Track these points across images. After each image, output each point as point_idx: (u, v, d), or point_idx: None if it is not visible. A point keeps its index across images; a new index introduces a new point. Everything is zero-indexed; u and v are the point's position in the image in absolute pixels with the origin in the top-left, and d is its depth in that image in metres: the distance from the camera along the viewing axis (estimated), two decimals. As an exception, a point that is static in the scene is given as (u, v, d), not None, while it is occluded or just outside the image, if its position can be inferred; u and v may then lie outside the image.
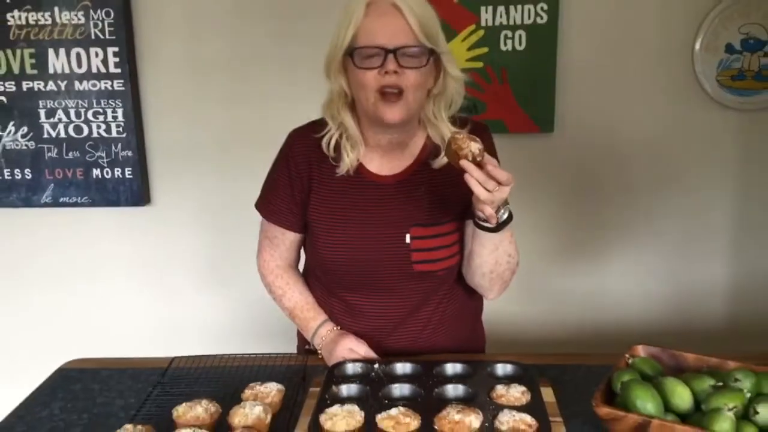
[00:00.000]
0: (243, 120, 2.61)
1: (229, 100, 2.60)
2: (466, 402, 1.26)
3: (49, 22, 2.52)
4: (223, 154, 2.65)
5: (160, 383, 1.45)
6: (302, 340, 1.76)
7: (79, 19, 2.51)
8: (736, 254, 2.61)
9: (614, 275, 2.65)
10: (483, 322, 1.80)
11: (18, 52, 2.53)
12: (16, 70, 2.55)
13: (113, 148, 2.60)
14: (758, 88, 2.43)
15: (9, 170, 2.62)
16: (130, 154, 2.60)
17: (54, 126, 2.59)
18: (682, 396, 1.21)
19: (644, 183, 2.56)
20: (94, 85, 2.56)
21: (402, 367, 1.43)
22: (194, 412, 1.26)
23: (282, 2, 2.52)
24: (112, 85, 2.55)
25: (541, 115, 2.50)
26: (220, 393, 1.36)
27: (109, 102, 2.56)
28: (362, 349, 1.52)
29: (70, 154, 2.61)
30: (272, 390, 1.35)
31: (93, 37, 2.52)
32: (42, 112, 2.58)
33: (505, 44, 2.45)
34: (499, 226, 1.41)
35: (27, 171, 2.62)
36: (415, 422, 1.19)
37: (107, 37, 2.52)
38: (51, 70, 2.55)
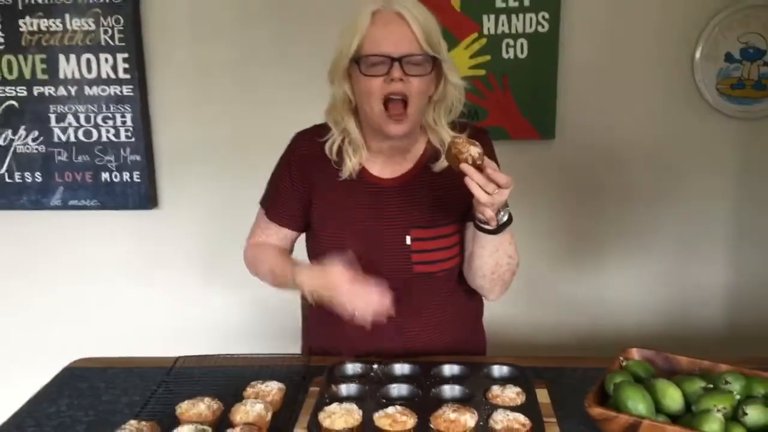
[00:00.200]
0: (249, 125, 2.65)
1: (236, 105, 2.64)
2: (462, 402, 1.30)
3: (61, 28, 2.56)
4: (230, 158, 2.68)
5: (165, 382, 1.48)
6: (307, 342, 1.79)
7: (89, 26, 2.56)
8: (735, 261, 2.63)
9: (614, 280, 2.67)
10: (484, 326, 1.82)
11: (30, 57, 2.58)
12: (27, 75, 2.60)
13: (122, 152, 2.64)
14: (757, 97, 2.45)
15: (20, 173, 2.67)
16: (138, 158, 2.64)
17: (64, 130, 2.64)
18: (673, 397, 1.24)
19: (644, 190, 2.59)
20: (103, 91, 2.60)
21: (400, 368, 1.47)
22: (197, 409, 1.30)
23: (288, 8, 2.56)
24: (121, 91, 2.60)
25: (542, 122, 2.53)
26: (223, 391, 1.39)
27: (118, 107, 2.61)
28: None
29: (80, 157, 2.65)
30: (273, 389, 1.38)
31: (103, 43, 2.57)
32: (52, 117, 2.63)
33: (507, 52, 2.48)
34: (499, 228, 1.45)
35: (37, 174, 2.67)
36: (411, 421, 1.22)
37: (117, 43, 2.57)
38: (62, 76, 2.60)
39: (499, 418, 1.22)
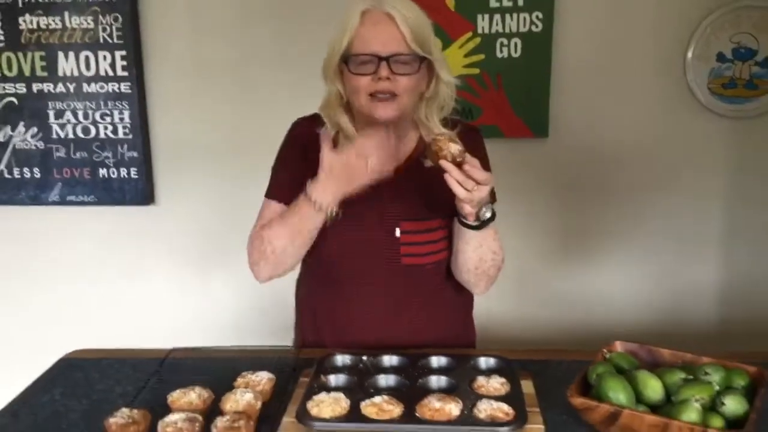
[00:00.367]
0: (246, 122, 2.68)
1: (233, 102, 2.67)
2: (448, 392, 1.32)
3: (60, 26, 2.60)
4: (227, 155, 2.71)
5: (157, 372, 1.51)
6: (299, 335, 1.81)
7: (88, 24, 2.59)
8: (727, 258, 2.65)
9: (606, 278, 2.70)
10: (475, 321, 1.84)
11: (29, 54, 2.62)
12: (26, 72, 2.63)
13: (119, 148, 2.67)
14: (748, 96, 2.48)
15: (18, 169, 2.71)
16: (135, 154, 2.68)
17: (62, 127, 2.67)
18: (654, 388, 1.27)
19: (636, 187, 2.62)
20: (101, 88, 2.64)
21: (389, 360, 1.49)
22: (188, 397, 1.32)
23: (286, 6, 2.59)
24: (119, 88, 2.63)
25: (535, 120, 2.55)
26: (214, 381, 1.41)
27: (116, 104, 2.64)
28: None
29: (78, 154, 2.69)
30: (263, 378, 1.40)
31: (101, 41, 2.60)
32: (51, 113, 2.66)
33: (501, 51, 2.51)
34: (482, 224, 1.47)
35: (36, 170, 2.71)
36: (397, 409, 1.25)
37: (115, 41, 2.60)
38: (60, 73, 2.63)
39: (483, 407, 1.24)
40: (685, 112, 2.53)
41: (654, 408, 1.25)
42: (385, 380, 1.40)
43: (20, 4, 2.58)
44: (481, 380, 1.36)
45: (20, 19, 2.59)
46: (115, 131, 2.67)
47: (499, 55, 2.52)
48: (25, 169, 2.71)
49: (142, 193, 2.71)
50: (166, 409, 1.30)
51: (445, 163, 1.36)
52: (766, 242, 2.63)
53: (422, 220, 1.58)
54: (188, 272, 2.82)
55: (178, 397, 1.33)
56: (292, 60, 2.59)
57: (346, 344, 1.60)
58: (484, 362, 1.47)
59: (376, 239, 1.57)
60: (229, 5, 2.60)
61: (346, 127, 1.56)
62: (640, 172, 2.61)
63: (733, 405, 1.21)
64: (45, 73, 2.63)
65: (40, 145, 2.69)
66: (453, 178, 1.36)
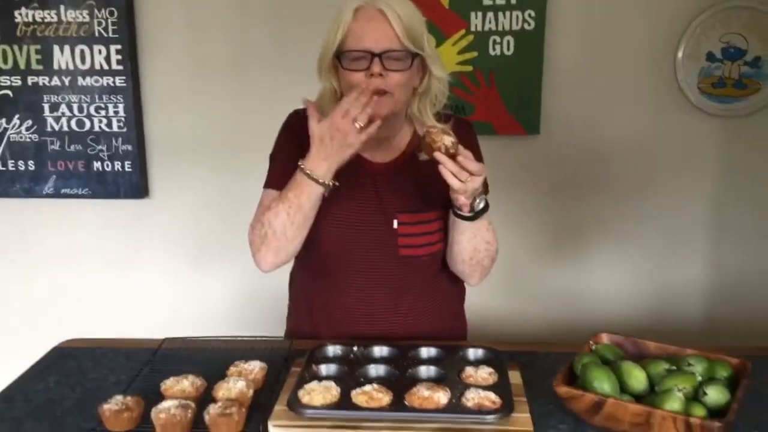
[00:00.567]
0: (241, 116, 2.69)
1: (228, 96, 2.69)
2: (437, 381, 1.34)
3: (55, 19, 2.61)
4: (221, 149, 2.73)
5: (151, 361, 1.53)
6: (291, 326, 1.83)
7: (83, 18, 2.60)
8: (715, 255, 2.69)
9: (596, 273, 2.73)
10: (467, 316, 1.87)
11: (24, 48, 2.63)
12: (22, 65, 2.64)
13: (114, 142, 2.69)
14: (738, 96, 2.51)
15: (13, 162, 2.72)
16: (130, 148, 2.69)
17: (57, 120, 2.68)
18: (637, 378, 1.29)
19: (627, 185, 2.65)
20: (96, 81, 2.65)
21: (379, 350, 1.50)
22: (181, 385, 1.34)
23: (282, 1, 2.60)
24: (114, 82, 2.65)
25: (527, 117, 2.58)
26: (207, 370, 1.42)
27: (111, 97, 2.66)
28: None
29: (72, 147, 2.70)
30: (255, 367, 1.43)
31: (97, 34, 2.62)
32: (46, 106, 2.67)
33: (494, 49, 2.54)
34: (476, 215, 1.50)
35: (30, 163, 2.72)
36: (387, 398, 1.27)
37: (110, 35, 2.61)
38: (55, 66, 2.65)
39: (471, 396, 1.27)
40: (675, 111, 2.57)
41: (638, 398, 1.27)
42: (375, 370, 1.41)
43: (16, -2, 2.60)
44: (469, 370, 1.38)
45: (16, 13, 2.60)
46: (109, 124, 2.68)
47: (491, 52, 2.54)
48: (20, 162, 2.72)
49: (136, 186, 2.72)
50: (160, 397, 1.32)
51: (439, 155, 1.38)
52: (754, 240, 2.67)
53: (419, 212, 1.61)
54: (182, 265, 2.83)
55: (171, 385, 1.35)
56: (287, 54, 2.61)
57: (342, 335, 1.63)
58: (473, 353, 1.49)
59: (374, 231, 1.60)
60: (224, -1, 2.62)
61: None
62: (631, 170, 2.64)
63: (715, 395, 1.24)
64: (40, 66, 2.64)
65: (35, 137, 2.70)
66: (447, 169, 1.38)
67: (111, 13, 2.59)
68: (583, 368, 1.31)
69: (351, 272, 1.64)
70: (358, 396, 1.28)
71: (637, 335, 1.50)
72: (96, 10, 2.59)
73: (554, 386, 1.28)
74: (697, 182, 2.63)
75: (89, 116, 2.68)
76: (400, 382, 1.34)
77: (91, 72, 2.64)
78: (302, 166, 1.46)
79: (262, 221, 1.54)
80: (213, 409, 1.24)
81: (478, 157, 1.67)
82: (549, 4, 2.49)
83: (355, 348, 1.51)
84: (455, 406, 1.25)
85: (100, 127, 2.68)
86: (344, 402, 1.27)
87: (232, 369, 1.43)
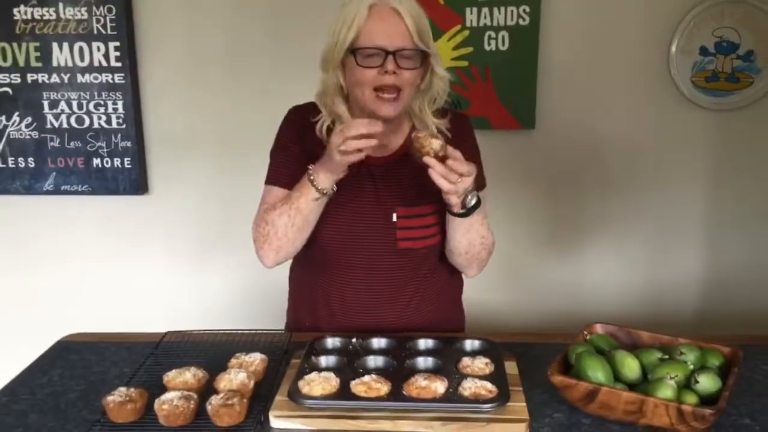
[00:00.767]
0: (239, 112, 2.71)
1: (226, 93, 2.71)
2: (434, 372, 1.36)
3: (54, 17, 2.62)
4: (219, 145, 2.75)
5: (153, 354, 1.55)
6: (291, 319, 1.86)
7: (82, 15, 2.62)
8: (709, 247, 2.71)
9: (591, 266, 2.76)
10: (465, 310, 1.90)
11: (23, 45, 2.64)
12: (21, 62, 2.66)
13: (113, 138, 2.71)
14: (731, 90, 2.54)
15: (13, 159, 2.73)
16: (129, 144, 2.71)
17: (57, 117, 2.70)
18: (631, 367, 1.32)
19: (621, 178, 2.67)
20: (95, 78, 2.67)
21: (378, 342, 1.53)
22: (183, 377, 1.36)
23: (280, -2, 2.62)
24: (113, 78, 2.66)
25: (522, 112, 2.60)
26: (208, 362, 1.45)
27: (110, 94, 2.67)
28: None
29: (72, 143, 2.72)
30: (256, 359, 1.45)
31: (95, 32, 2.63)
32: (45, 104, 2.69)
33: (489, 44, 2.56)
34: (468, 212, 1.53)
35: (30, 160, 2.74)
36: (385, 388, 1.29)
37: (109, 32, 2.63)
38: (55, 63, 2.66)
39: (468, 386, 1.29)
40: (669, 105, 2.59)
41: (631, 386, 1.30)
42: (373, 361, 1.44)
43: (15, -5, 2.61)
44: (466, 361, 1.41)
45: (15, 10, 2.61)
46: (108, 121, 2.70)
47: (487, 48, 2.56)
48: (20, 159, 2.73)
49: (135, 182, 2.74)
50: (162, 389, 1.34)
51: (428, 160, 1.41)
52: (748, 232, 2.69)
53: (417, 206, 1.63)
54: (182, 260, 2.85)
55: (174, 376, 1.37)
56: (285, 50, 2.62)
57: (342, 328, 1.65)
58: (470, 344, 1.52)
59: (374, 224, 1.63)
60: (222, -4, 2.64)
61: (345, 117, 1.61)
62: (625, 163, 2.66)
63: (706, 383, 1.26)
64: (39, 64, 2.66)
65: (35, 134, 2.72)
66: (437, 172, 1.41)
67: (109, 10, 2.60)
68: (577, 358, 1.34)
69: (350, 265, 1.66)
70: (357, 386, 1.30)
71: (633, 327, 1.52)
72: (94, 8, 2.61)
73: (549, 375, 1.30)
74: (690, 175, 2.66)
75: (88, 113, 2.69)
76: (398, 373, 1.36)
77: (90, 69, 2.66)
78: (309, 171, 1.50)
79: (266, 220, 1.57)
80: (215, 400, 1.26)
81: (475, 152, 1.70)
82: (543, -1, 2.52)
83: (354, 340, 1.53)
84: (452, 396, 1.28)
85: (99, 123, 2.70)
86: (343, 392, 1.29)
87: (234, 361, 1.45)
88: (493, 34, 2.55)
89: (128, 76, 2.66)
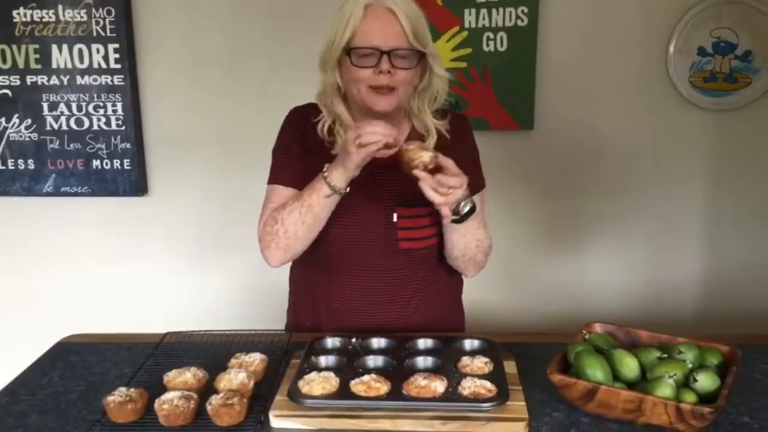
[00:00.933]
0: (238, 114, 2.71)
1: (226, 94, 2.71)
2: (434, 371, 1.37)
3: (53, 19, 2.63)
4: (219, 146, 2.75)
5: (153, 355, 1.55)
6: (291, 319, 1.86)
7: (81, 17, 2.62)
8: (708, 247, 2.72)
9: (590, 266, 2.76)
10: (465, 310, 1.90)
11: (23, 47, 2.65)
12: (20, 64, 2.67)
13: (113, 140, 2.71)
14: (729, 90, 2.54)
15: (13, 160, 2.74)
16: (128, 146, 2.71)
17: (56, 118, 2.70)
18: (629, 366, 1.32)
19: (620, 178, 2.68)
20: (95, 80, 2.67)
21: (377, 342, 1.53)
22: (183, 377, 1.36)
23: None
24: (112, 80, 2.67)
25: (521, 113, 2.61)
26: (208, 363, 1.45)
27: (110, 96, 2.68)
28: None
29: (71, 145, 2.72)
30: (256, 359, 1.45)
31: (95, 34, 2.64)
32: (45, 105, 2.70)
33: (488, 45, 2.57)
34: (462, 218, 1.52)
35: (30, 161, 2.74)
36: (385, 387, 1.30)
37: (108, 34, 2.63)
38: (54, 65, 2.67)
39: (467, 385, 1.29)
40: (667, 105, 2.59)
41: (630, 385, 1.30)
42: (373, 361, 1.44)
43: (14, -3, 2.62)
44: (465, 360, 1.41)
45: (14, 12, 2.62)
46: (108, 123, 2.70)
47: (485, 48, 2.57)
48: (20, 161, 2.74)
49: (135, 183, 2.74)
50: (162, 389, 1.34)
51: (418, 173, 1.43)
52: (747, 232, 2.70)
53: (417, 206, 1.63)
54: (181, 261, 2.86)
55: (174, 376, 1.37)
56: (285, 51, 2.63)
57: (342, 328, 1.66)
58: (469, 344, 1.52)
59: (375, 224, 1.63)
60: (221, -2, 2.64)
61: (343, 116, 1.62)
62: (624, 164, 2.67)
63: (705, 381, 1.27)
64: (39, 66, 2.66)
65: (34, 136, 2.72)
66: (426, 185, 1.42)
67: (108, 12, 2.61)
68: (576, 356, 1.34)
69: (351, 265, 1.66)
70: (357, 386, 1.30)
71: (632, 327, 1.52)
72: (94, 10, 2.62)
73: (548, 374, 1.31)
74: (689, 175, 2.66)
75: (88, 115, 2.70)
76: (397, 372, 1.37)
77: (90, 71, 2.67)
78: (324, 169, 1.51)
79: (275, 218, 1.57)
80: (215, 400, 1.26)
81: (474, 152, 1.71)
82: (542, 0, 2.52)
83: (353, 339, 1.53)
84: (452, 395, 1.28)
85: (98, 125, 2.71)
86: (343, 392, 1.30)
87: (233, 361, 1.45)
88: (491, 35, 2.55)
89: (128, 77, 2.66)
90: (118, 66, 2.66)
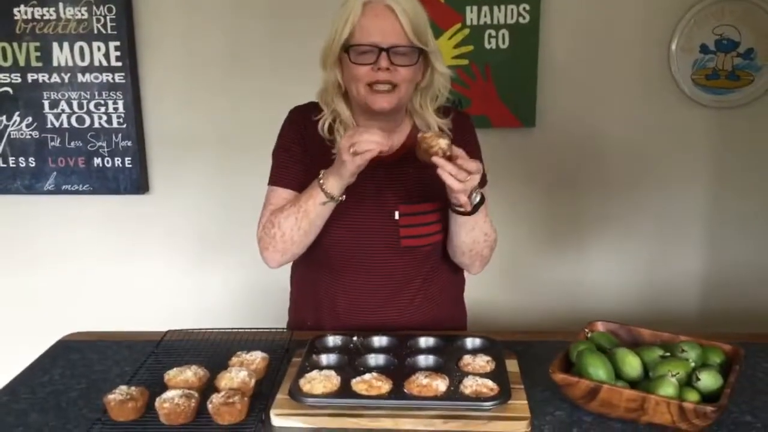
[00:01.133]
0: (239, 112, 2.71)
1: (226, 93, 2.71)
2: (435, 370, 1.36)
3: (54, 17, 2.62)
4: (219, 145, 2.75)
5: (154, 353, 1.55)
6: (293, 318, 1.86)
7: (82, 15, 2.62)
8: (710, 245, 2.71)
9: (592, 264, 2.76)
10: (467, 309, 1.90)
11: (24, 45, 2.65)
12: (21, 62, 2.66)
13: (114, 138, 2.71)
14: (731, 87, 2.54)
15: (14, 158, 2.74)
16: (129, 144, 2.71)
17: (57, 116, 2.70)
18: (632, 364, 1.32)
19: (622, 176, 2.67)
20: (96, 78, 2.67)
21: (379, 340, 1.53)
22: (184, 375, 1.36)
23: (280, -2, 2.62)
24: (113, 78, 2.66)
25: (523, 110, 2.60)
26: (209, 361, 1.45)
27: (110, 94, 2.68)
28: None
29: (72, 143, 2.72)
30: (257, 358, 1.45)
31: (95, 31, 2.63)
32: (46, 103, 2.69)
33: (489, 43, 2.56)
34: (473, 209, 1.53)
35: (31, 159, 2.74)
36: (386, 386, 1.29)
37: (109, 31, 2.63)
38: (55, 63, 2.66)
39: (469, 383, 1.29)
40: (669, 103, 2.59)
41: (633, 384, 1.30)
42: (374, 359, 1.44)
43: (15, -5, 2.61)
44: (467, 358, 1.41)
45: (15, 10, 2.61)
46: (109, 121, 2.70)
47: (487, 46, 2.56)
48: (21, 159, 2.74)
49: (136, 182, 2.74)
50: (163, 387, 1.34)
51: (438, 159, 1.41)
52: (749, 230, 2.69)
53: (419, 203, 1.64)
54: (182, 260, 2.86)
55: (175, 375, 1.37)
56: (286, 50, 2.62)
57: (344, 326, 1.66)
58: (471, 342, 1.52)
59: (376, 222, 1.63)
60: (221, -5, 2.64)
61: (343, 114, 1.61)
62: (626, 161, 2.66)
63: (708, 380, 1.26)
64: (40, 63, 2.66)
65: (35, 134, 2.72)
66: (446, 172, 1.41)
67: (109, 10, 2.60)
68: (578, 355, 1.34)
69: (353, 264, 1.66)
70: (358, 384, 1.30)
71: (634, 325, 1.52)
72: (94, 7, 2.61)
73: (550, 373, 1.30)
74: (691, 173, 2.66)
75: (89, 113, 2.70)
76: (399, 371, 1.36)
77: (91, 69, 2.66)
78: (320, 175, 1.51)
79: (273, 222, 1.58)
80: (216, 399, 1.26)
81: (476, 150, 1.70)
82: (544, -3, 2.52)
83: (354, 338, 1.53)
84: (453, 394, 1.27)
85: (99, 123, 2.70)
86: (344, 390, 1.29)
87: (234, 359, 1.45)
88: (493, 33, 2.55)
89: (128, 75, 2.66)
90: (119, 64, 2.65)
